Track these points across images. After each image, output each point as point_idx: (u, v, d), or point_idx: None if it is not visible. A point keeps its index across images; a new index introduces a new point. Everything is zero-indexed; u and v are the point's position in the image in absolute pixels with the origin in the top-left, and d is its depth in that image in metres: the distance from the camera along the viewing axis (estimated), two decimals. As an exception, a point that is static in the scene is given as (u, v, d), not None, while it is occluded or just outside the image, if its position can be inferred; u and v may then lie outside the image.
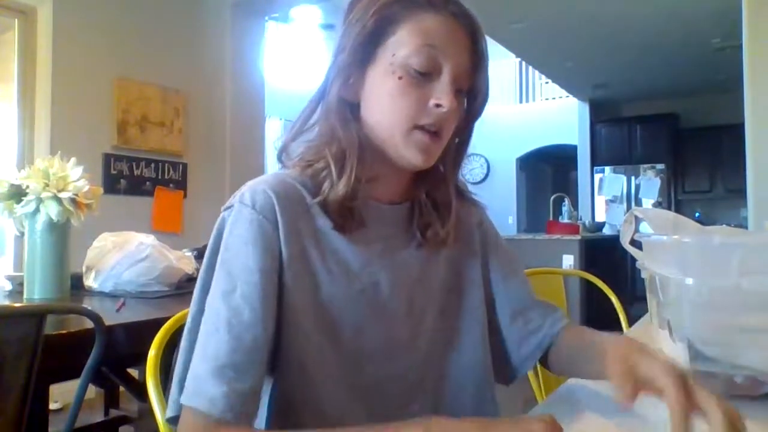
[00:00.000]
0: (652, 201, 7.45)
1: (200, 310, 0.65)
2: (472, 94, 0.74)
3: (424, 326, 0.76)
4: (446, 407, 0.77)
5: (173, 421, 0.63)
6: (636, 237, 1.05)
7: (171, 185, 3.75)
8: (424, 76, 0.69)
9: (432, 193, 0.78)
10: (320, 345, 0.67)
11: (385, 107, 0.70)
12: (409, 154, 0.70)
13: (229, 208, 0.68)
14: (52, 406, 2.43)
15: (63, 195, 1.52)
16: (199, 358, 0.61)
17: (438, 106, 0.68)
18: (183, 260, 1.85)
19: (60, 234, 1.57)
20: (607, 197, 7.75)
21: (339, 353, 0.69)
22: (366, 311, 0.71)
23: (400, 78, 0.68)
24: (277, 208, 0.67)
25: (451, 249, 0.80)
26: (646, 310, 1.15)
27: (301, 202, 0.70)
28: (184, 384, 0.62)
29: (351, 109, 0.72)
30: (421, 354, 0.75)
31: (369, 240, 0.73)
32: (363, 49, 0.70)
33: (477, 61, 0.72)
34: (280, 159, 0.76)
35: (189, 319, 0.67)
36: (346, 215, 0.70)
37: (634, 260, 1.05)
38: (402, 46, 0.68)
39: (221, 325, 0.61)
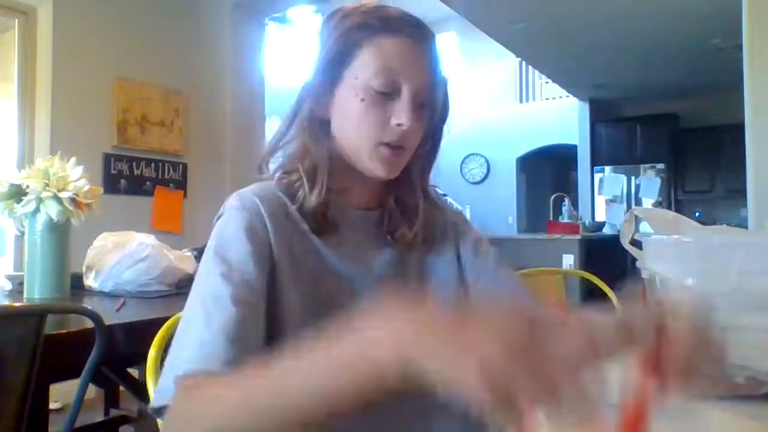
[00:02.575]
0: (652, 201, 7.45)
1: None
2: (434, 107, 0.78)
3: None
4: (432, 407, 0.76)
5: (158, 411, 0.62)
6: (636, 237, 1.05)
7: (171, 185, 3.75)
8: (385, 96, 0.73)
9: (401, 197, 0.83)
10: (305, 337, 0.68)
11: (351, 127, 0.75)
12: (374, 167, 0.75)
13: (220, 216, 0.73)
14: (52, 406, 2.42)
15: (63, 195, 1.52)
16: (203, 327, 0.62)
17: (399, 125, 0.73)
18: (183, 260, 1.85)
19: (60, 234, 1.58)
20: (607, 197, 7.74)
21: None
22: (343, 309, 0.72)
23: (362, 100, 0.73)
24: (263, 210, 0.72)
25: (421, 251, 0.83)
26: (646, 310, 1.14)
27: (283, 207, 0.75)
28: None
29: (322, 125, 0.77)
30: None
31: (343, 244, 0.77)
32: (330, 71, 0.75)
33: (436, 77, 0.76)
34: (259, 170, 0.81)
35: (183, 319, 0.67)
36: (321, 221, 0.75)
37: (634, 260, 1.05)
38: (364, 68, 0.73)
39: (225, 297, 0.63)
